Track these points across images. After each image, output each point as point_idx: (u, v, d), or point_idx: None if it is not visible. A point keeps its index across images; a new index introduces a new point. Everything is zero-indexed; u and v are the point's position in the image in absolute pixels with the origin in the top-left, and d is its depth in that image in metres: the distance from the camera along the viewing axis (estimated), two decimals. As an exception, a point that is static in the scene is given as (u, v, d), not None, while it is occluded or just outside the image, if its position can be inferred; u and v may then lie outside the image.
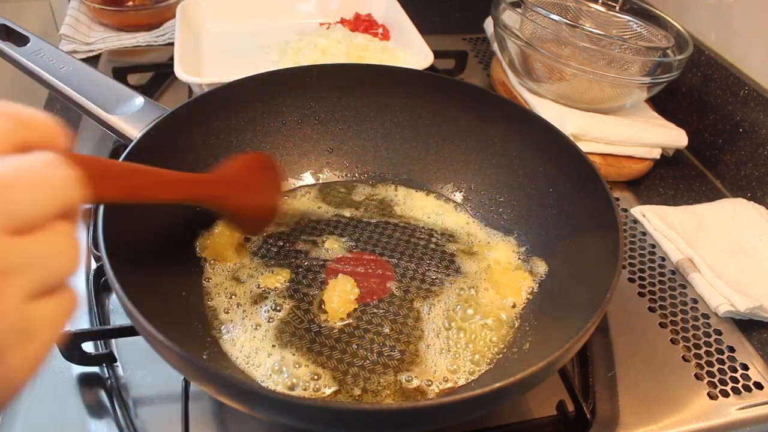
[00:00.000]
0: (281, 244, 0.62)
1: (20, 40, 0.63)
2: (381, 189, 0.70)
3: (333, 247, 0.63)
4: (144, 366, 0.54)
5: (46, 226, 0.24)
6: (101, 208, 0.46)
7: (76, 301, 0.27)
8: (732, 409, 0.56)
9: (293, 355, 0.52)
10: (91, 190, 0.27)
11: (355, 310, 0.56)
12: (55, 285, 0.25)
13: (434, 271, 0.61)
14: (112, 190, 0.36)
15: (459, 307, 0.57)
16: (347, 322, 0.55)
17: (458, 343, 0.54)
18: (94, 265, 0.61)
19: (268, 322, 0.54)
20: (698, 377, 0.58)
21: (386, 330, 0.55)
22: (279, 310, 0.56)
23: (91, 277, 0.59)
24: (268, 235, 0.63)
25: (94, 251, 0.59)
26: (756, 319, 0.64)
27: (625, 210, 0.77)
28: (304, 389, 0.49)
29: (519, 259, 0.62)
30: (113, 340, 0.55)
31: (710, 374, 0.58)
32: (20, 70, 0.62)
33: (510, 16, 0.85)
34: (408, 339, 0.54)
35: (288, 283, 0.58)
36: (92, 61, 0.97)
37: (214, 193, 0.50)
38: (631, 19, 0.88)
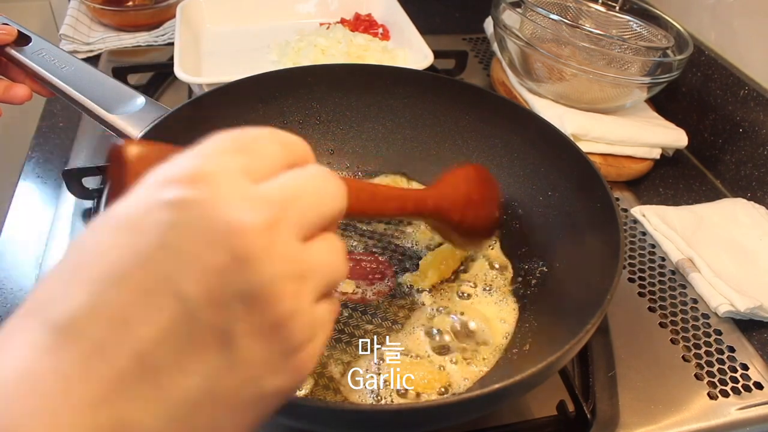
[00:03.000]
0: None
1: (22, 39, 0.63)
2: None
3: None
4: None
5: (323, 234, 0.26)
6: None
7: (339, 306, 0.29)
8: (732, 409, 0.56)
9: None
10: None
11: (356, 308, 0.56)
12: (330, 289, 0.27)
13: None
14: (357, 202, 0.38)
15: (459, 307, 0.57)
16: (347, 320, 0.55)
17: (459, 343, 0.54)
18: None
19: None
20: (698, 377, 0.58)
21: (386, 330, 0.55)
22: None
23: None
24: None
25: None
26: (756, 319, 0.64)
27: (625, 210, 0.77)
28: (304, 390, 0.49)
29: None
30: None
31: (710, 374, 0.58)
32: (22, 70, 0.63)
33: (510, 16, 0.85)
34: (407, 339, 0.54)
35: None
36: (92, 61, 0.97)
37: (436, 207, 0.50)
38: (631, 19, 0.88)
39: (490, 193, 0.56)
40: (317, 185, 0.27)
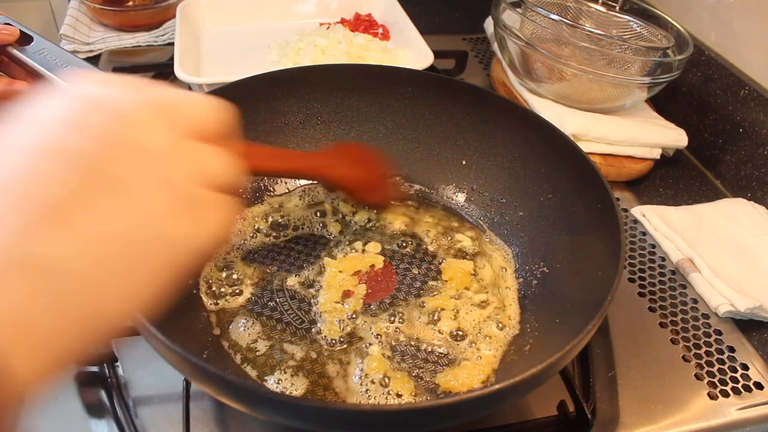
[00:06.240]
0: (282, 245, 0.62)
1: (24, 39, 0.63)
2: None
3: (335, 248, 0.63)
4: (144, 366, 0.54)
5: (210, 143, 0.32)
6: None
7: (237, 207, 0.33)
8: (732, 409, 0.56)
9: (294, 354, 0.52)
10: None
11: (357, 310, 0.56)
12: (219, 187, 0.31)
13: (435, 271, 0.61)
14: (253, 158, 0.42)
15: (460, 308, 0.57)
16: (347, 320, 0.55)
17: (459, 343, 0.54)
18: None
19: (270, 321, 0.55)
20: (698, 377, 0.58)
21: (387, 330, 0.55)
22: (280, 310, 0.56)
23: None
24: (266, 234, 0.63)
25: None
26: (756, 319, 0.64)
27: (626, 210, 0.77)
28: (302, 390, 0.49)
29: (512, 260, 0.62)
30: (114, 340, 0.55)
31: (710, 374, 0.58)
32: (23, 69, 0.62)
33: (510, 16, 0.85)
34: (408, 339, 0.54)
35: (288, 283, 0.58)
36: (92, 61, 0.97)
37: (320, 163, 0.60)
38: (631, 19, 0.88)
39: (370, 158, 0.65)
40: (195, 97, 0.32)
